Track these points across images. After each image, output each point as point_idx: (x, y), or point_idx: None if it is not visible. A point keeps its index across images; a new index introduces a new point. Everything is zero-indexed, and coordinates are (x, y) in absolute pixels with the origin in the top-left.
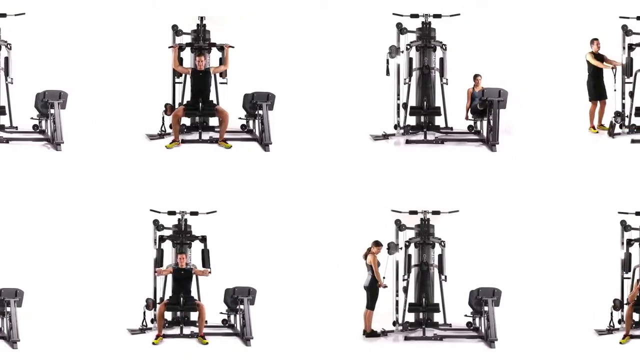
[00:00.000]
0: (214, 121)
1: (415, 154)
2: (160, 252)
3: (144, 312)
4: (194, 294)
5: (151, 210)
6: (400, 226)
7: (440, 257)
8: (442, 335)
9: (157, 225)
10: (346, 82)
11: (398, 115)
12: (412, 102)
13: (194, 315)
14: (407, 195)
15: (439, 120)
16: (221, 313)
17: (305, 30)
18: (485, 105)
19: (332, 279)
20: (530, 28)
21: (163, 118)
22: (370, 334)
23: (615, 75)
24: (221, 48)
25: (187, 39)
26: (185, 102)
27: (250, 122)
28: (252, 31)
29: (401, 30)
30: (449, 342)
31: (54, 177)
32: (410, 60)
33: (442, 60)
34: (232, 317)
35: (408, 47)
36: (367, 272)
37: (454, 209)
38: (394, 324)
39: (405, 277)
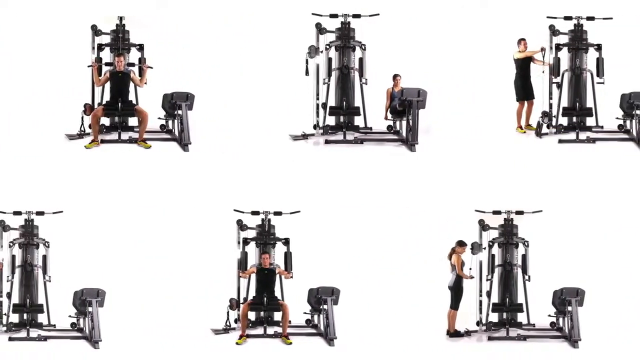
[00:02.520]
0: (133, 121)
1: (335, 154)
2: (244, 253)
3: (228, 312)
4: (277, 293)
5: (235, 210)
6: (484, 226)
7: (524, 257)
8: (525, 335)
9: (241, 226)
10: (265, 82)
11: (317, 115)
12: (332, 102)
13: (277, 315)
14: (329, 194)
15: (358, 120)
16: (305, 313)
17: (225, 30)
18: (405, 105)
19: (416, 279)
20: (454, 28)
21: (82, 118)
22: (454, 334)
23: (544, 55)
24: (140, 48)
25: (106, 39)
26: (104, 102)
27: (170, 122)
28: (172, 31)
29: (320, 30)
30: (533, 342)
31: None
32: (330, 60)
33: (361, 60)
34: (315, 317)
35: (327, 47)
36: (451, 272)
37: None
38: (478, 324)
39: (489, 277)
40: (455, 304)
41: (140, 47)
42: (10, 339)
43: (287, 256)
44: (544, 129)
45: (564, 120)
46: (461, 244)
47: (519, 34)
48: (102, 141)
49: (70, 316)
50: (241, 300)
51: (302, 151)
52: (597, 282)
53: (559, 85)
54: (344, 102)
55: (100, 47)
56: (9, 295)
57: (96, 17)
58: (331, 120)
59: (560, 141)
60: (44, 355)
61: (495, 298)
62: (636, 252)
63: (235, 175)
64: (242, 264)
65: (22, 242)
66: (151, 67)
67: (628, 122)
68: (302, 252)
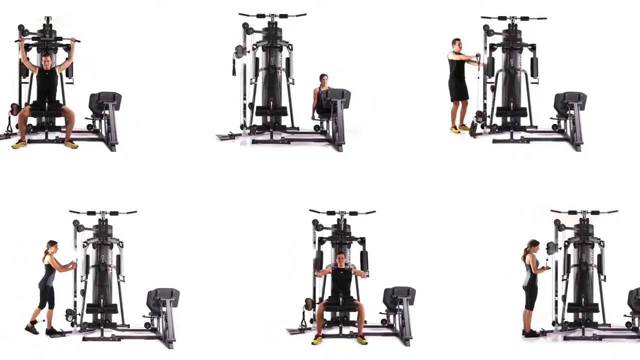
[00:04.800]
0: (60, 121)
1: (262, 154)
2: (319, 253)
3: (304, 312)
4: (353, 293)
5: (310, 210)
6: (559, 226)
7: (600, 257)
8: (601, 335)
9: (317, 226)
10: (193, 81)
11: (244, 115)
12: (259, 102)
13: (353, 315)
14: (255, 195)
15: (285, 120)
16: (380, 313)
17: (152, 30)
18: (330, 105)
19: (491, 279)
20: (384, 27)
21: (9, 118)
22: (529, 334)
23: (479, 61)
24: (67, 47)
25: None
26: (31, 102)
27: (97, 122)
28: (98, 31)
29: (247, 30)
30: (608, 342)
31: None
32: (257, 60)
33: (288, 60)
34: (391, 317)
35: (254, 47)
36: (525, 272)
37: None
38: (553, 323)
39: (565, 277)
40: (530, 303)
41: (68, 47)
42: (84, 339)
43: (363, 256)
44: (478, 129)
45: (498, 120)
46: (534, 243)
47: (453, 33)
48: (29, 141)
49: (144, 316)
50: (317, 300)
51: (229, 151)
52: None
53: (494, 88)
54: (271, 102)
55: (28, 47)
56: (83, 295)
57: (24, 16)
58: (258, 120)
59: (495, 141)
60: (117, 355)
61: (570, 298)
62: None
63: (161, 175)
64: (318, 263)
65: (96, 242)
66: (79, 41)
67: (562, 122)
68: (378, 252)
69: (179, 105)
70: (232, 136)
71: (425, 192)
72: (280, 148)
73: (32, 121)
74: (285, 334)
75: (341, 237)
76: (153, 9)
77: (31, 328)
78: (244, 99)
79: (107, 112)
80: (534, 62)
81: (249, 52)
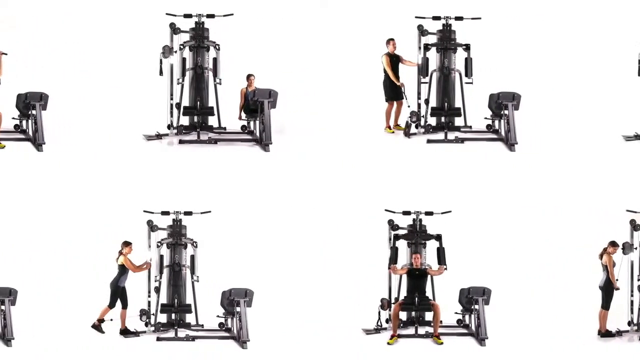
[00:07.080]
0: None
1: (189, 154)
2: (395, 252)
3: (379, 312)
4: (428, 293)
5: (386, 210)
6: (635, 226)
7: None
8: None
9: (392, 225)
10: (120, 81)
11: (171, 115)
12: (186, 102)
13: (428, 315)
14: (170, 194)
15: (212, 120)
16: (456, 313)
17: (79, 29)
18: (257, 105)
19: (566, 278)
20: (315, 27)
21: None
22: (605, 333)
23: (404, 93)
24: None
25: None
26: None
27: (24, 122)
28: (25, 30)
29: (174, 30)
30: None
31: None
32: (184, 60)
33: (215, 60)
34: (467, 317)
35: (181, 47)
36: (602, 272)
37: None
38: (629, 324)
39: None
40: (606, 303)
41: None
42: (159, 339)
43: (440, 251)
44: (413, 129)
45: (432, 120)
46: (614, 244)
47: (387, 33)
48: None
49: (218, 316)
50: (392, 300)
51: (156, 151)
52: None
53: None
54: (198, 102)
55: None
56: (157, 295)
57: None
58: (185, 120)
59: (429, 141)
60: (191, 355)
61: None
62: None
63: (88, 175)
64: (393, 258)
65: (170, 242)
66: (5, 54)
67: (496, 122)
68: (452, 252)
69: (106, 105)
70: (159, 136)
71: (364, 191)
72: (206, 148)
73: None
74: (361, 333)
75: (417, 236)
76: (80, 9)
77: (98, 326)
78: (171, 99)
79: (34, 112)
80: (468, 62)
81: (175, 52)
